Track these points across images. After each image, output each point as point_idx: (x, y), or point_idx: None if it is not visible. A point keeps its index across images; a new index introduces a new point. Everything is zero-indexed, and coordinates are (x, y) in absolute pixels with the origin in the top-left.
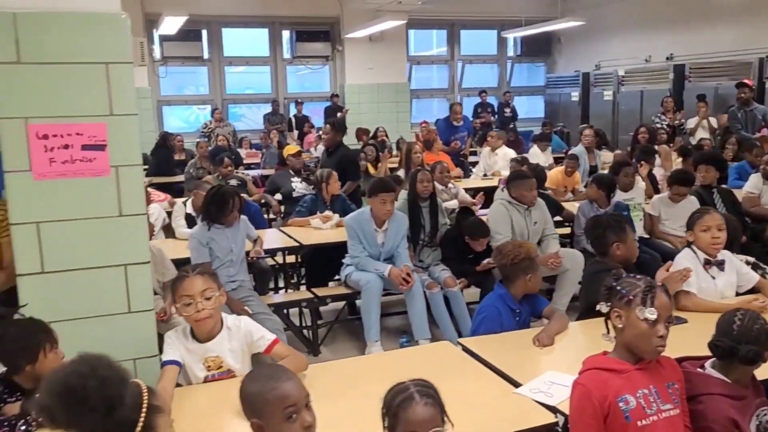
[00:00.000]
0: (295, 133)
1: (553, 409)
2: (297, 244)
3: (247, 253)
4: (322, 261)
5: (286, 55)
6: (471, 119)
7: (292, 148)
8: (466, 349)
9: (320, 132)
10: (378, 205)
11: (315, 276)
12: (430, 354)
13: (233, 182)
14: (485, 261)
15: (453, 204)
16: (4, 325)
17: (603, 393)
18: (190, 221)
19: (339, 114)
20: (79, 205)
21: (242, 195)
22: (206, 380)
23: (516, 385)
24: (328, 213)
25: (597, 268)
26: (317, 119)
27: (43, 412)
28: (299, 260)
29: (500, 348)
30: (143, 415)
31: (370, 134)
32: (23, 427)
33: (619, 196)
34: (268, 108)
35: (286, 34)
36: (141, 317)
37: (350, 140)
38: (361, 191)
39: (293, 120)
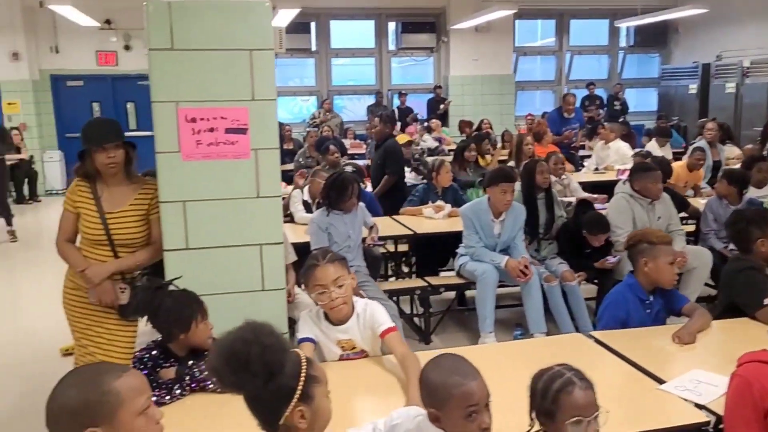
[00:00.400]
0: (398, 124)
1: (702, 408)
2: (409, 233)
3: (363, 240)
4: (432, 251)
5: (392, 46)
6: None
7: (402, 137)
8: (599, 342)
9: (424, 123)
10: (498, 195)
11: (425, 265)
12: (562, 345)
13: (349, 168)
14: (603, 259)
15: (570, 198)
16: (161, 296)
17: (765, 386)
18: (306, 208)
19: (442, 106)
20: (221, 186)
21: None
22: (341, 359)
23: (659, 381)
24: (440, 203)
25: (740, 266)
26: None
27: (214, 373)
28: (410, 249)
29: (636, 343)
30: (301, 383)
31: (474, 126)
32: (178, 391)
33: (751, 192)
34: (370, 99)
35: (391, 26)
36: (273, 295)
37: (453, 132)
38: (464, 183)
39: (396, 111)
